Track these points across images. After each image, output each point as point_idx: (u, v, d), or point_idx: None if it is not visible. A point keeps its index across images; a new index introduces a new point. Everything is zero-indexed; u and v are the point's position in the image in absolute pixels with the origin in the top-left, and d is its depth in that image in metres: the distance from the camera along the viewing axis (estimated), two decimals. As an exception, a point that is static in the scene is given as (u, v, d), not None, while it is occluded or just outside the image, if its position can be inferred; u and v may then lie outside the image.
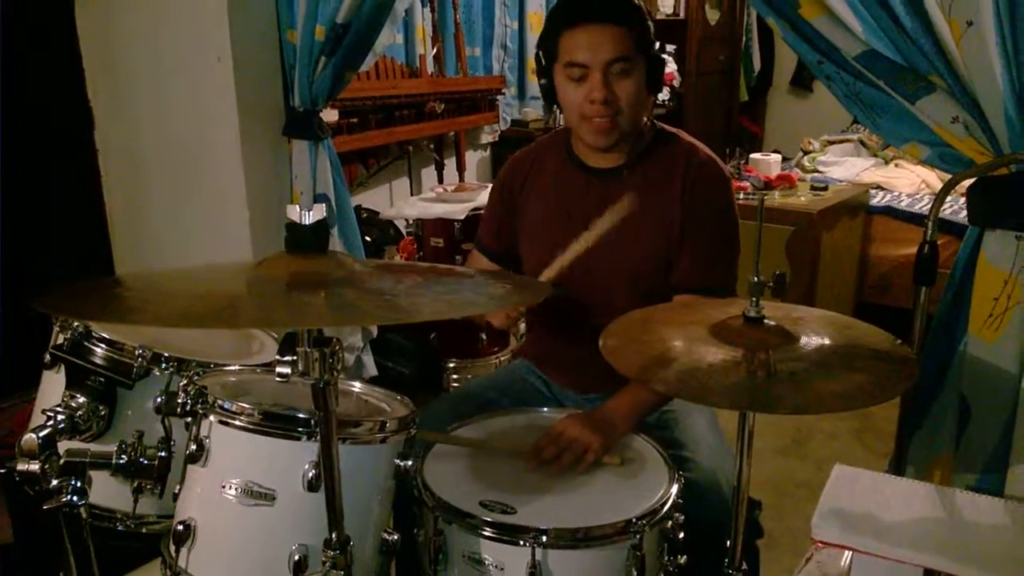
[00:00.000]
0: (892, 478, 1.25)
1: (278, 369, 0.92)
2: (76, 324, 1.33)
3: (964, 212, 1.50)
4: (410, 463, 1.23)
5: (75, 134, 2.87)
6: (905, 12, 1.42)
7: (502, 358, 3.10)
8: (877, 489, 1.18)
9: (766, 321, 1.08)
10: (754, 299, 1.09)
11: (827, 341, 1.08)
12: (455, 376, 3.07)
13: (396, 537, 1.23)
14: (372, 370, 2.83)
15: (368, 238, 3.17)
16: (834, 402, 0.95)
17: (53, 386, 1.38)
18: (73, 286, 0.97)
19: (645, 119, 1.60)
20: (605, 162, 1.59)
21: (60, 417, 1.25)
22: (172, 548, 1.16)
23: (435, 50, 3.91)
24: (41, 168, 2.98)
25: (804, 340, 1.06)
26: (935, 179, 4.07)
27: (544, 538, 1.15)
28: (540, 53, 1.57)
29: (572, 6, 1.50)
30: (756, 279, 1.09)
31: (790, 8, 1.55)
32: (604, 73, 1.45)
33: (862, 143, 4.76)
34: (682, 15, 5.26)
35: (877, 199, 3.88)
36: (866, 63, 1.50)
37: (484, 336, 3.05)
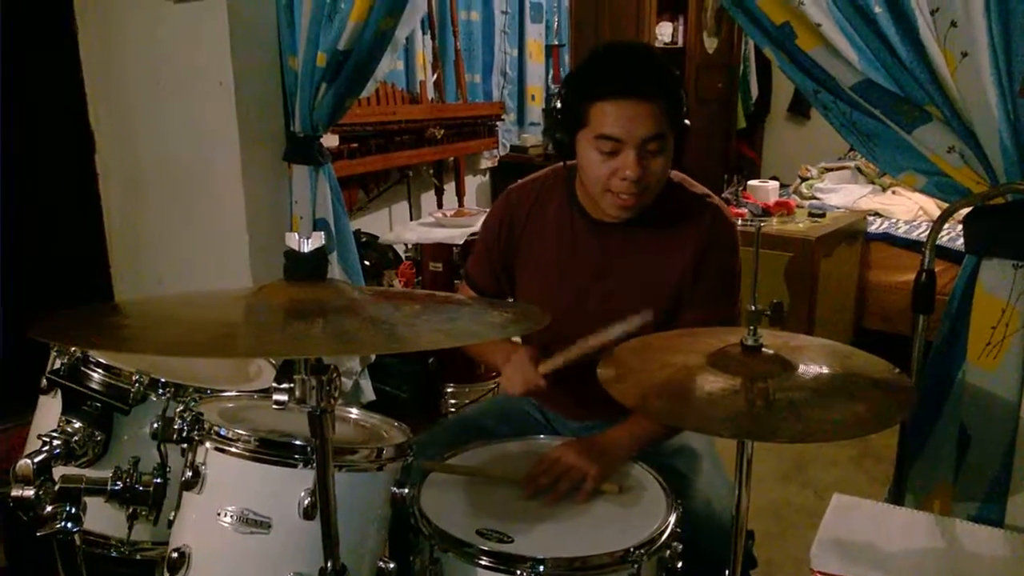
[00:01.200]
0: (891, 508, 1.25)
1: (275, 397, 0.91)
2: (73, 349, 1.33)
3: (962, 239, 1.51)
4: (407, 491, 1.23)
5: (76, 159, 2.88)
6: (901, 43, 1.44)
7: (499, 383, 3.09)
8: (876, 519, 1.17)
9: (764, 350, 1.08)
10: (752, 327, 1.09)
11: (826, 370, 1.08)
12: (452, 401, 3.06)
13: (393, 566, 1.22)
14: (370, 394, 2.82)
15: (367, 262, 3.17)
16: (833, 431, 0.95)
17: (49, 411, 1.38)
18: (72, 312, 0.97)
19: None
20: (611, 216, 1.51)
21: (56, 442, 1.24)
22: (166, 575, 1.15)
23: (435, 76, 3.94)
24: (42, 192, 2.99)
25: (803, 369, 1.07)
26: (933, 206, 4.09)
27: (541, 568, 1.14)
28: (562, 111, 1.47)
29: (611, 76, 1.40)
30: (754, 307, 1.09)
31: (786, 38, 1.56)
32: (639, 151, 1.39)
33: (859, 170, 4.79)
34: (680, 43, 5.30)
35: (875, 226, 3.89)
36: (862, 93, 1.51)
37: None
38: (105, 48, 2.73)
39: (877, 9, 1.44)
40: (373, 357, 2.86)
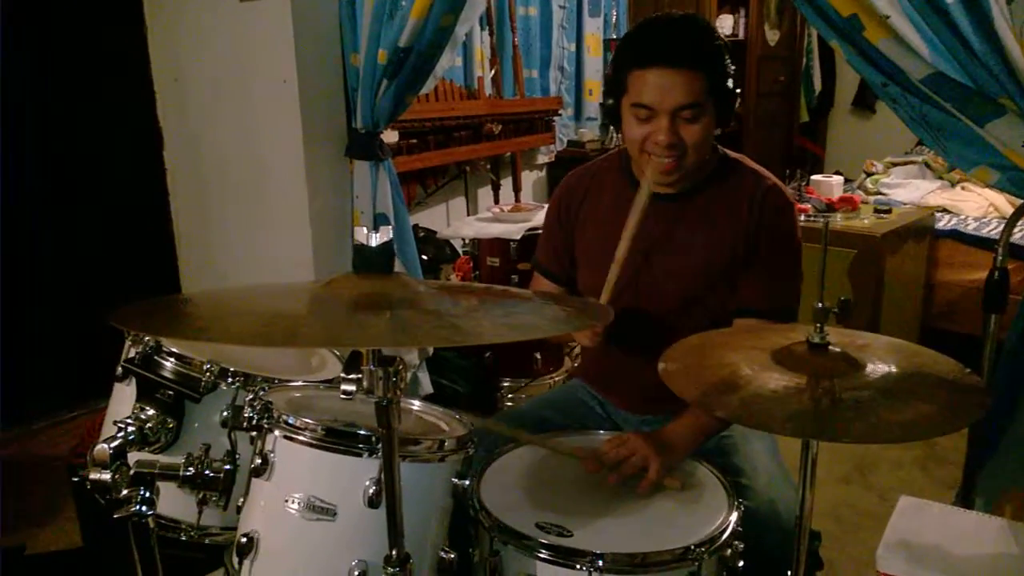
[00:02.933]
0: (960, 511, 1.22)
1: (343, 387, 0.94)
2: (147, 339, 1.37)
3: (1036, 237, 1.46)
4: (467, 482, 1.24)
5: (146, 155, 2.97)
6: (974, 34, 1.40)
7: (556, 378, 3.09)
8: (945, 522, 1.15)
9: (831, 348, 1.06)
10: (818, 325, 1.07)
11: (893, 369, 1.05)
12: (510, 395, 3.07)
13: (453, 556, 1.23)
14: (428, 388, 2.85)
15: (424, 257, 3.20)
16: (900, 432, 0.92)
17: (124, 398, 1.42)
18: (148, 303, 1.01)
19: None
20: (667, 188, 1.55)
21: (130, 429, 1.27)
22: (235, 560, 1.18)
23: (493, 72, 3.95)
24: (113, 187, 3.10)
25: (870, 367, 1.04)
26: (1004, 203, 3.95)
27: (600, 562, 1.14)
28: (609, 79, 1.54)
29: (645, 45, 1.45)
30: (820, 304, 1.07)
31: (854, 30, 1.53)
32: (672, 118, 1.42)
33: (927, 165, 4.65)
34: (741, 36, 5.23)
35: (943, 222, 3.78)
36: (933, 86, 1.47)
37: (539, 356, 3.05)
38: (173, 47, 2.81)
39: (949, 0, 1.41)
40: (431, 351, 2.88)
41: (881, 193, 4.25)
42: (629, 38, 1.52)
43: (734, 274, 1.54)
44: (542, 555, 1.17)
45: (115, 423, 1.29)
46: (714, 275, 1.54)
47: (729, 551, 1.22)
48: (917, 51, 1.47)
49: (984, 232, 3.63)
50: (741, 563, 1.24)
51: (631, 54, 1.46)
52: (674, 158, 1.46)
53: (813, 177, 4.03)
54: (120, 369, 1.41)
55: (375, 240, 0.99)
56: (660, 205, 1.56)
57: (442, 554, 1.23)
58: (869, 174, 4.54)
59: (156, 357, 1.38)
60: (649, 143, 1.46)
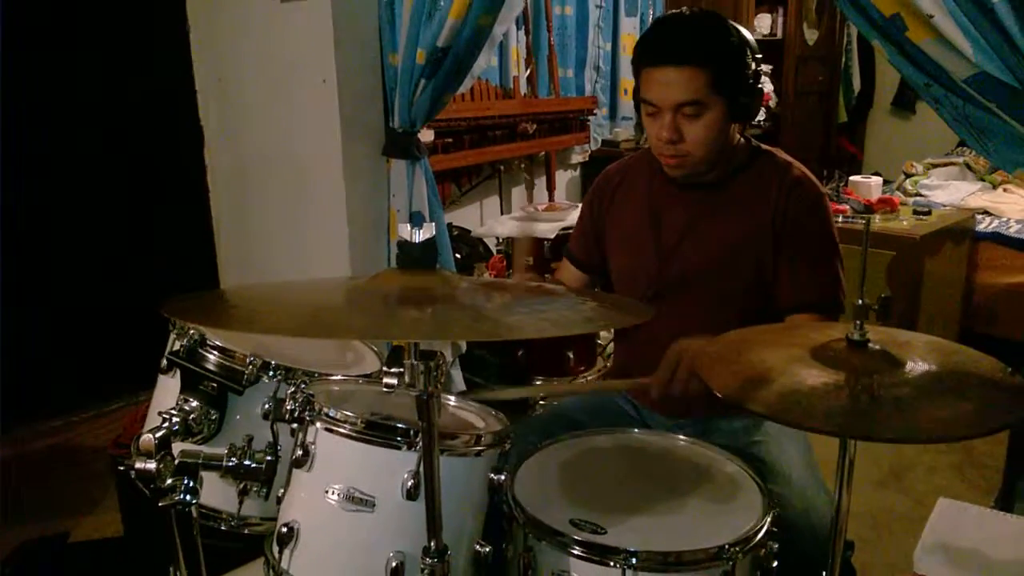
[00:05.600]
0: (1000, 514, 1.20)
1: (385, 380, 0.95)
2: (192, 332, 1.41)
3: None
4: (502, 477, 1.25)
5: (187, 152, 3.03)
6: (1020, 33, 1.38)
7: (589, 377, 3.10)
8: (984, 525, 1.14)
9: (870, 345, 1.06)
10: (858, 322, 1.07)
11: (933, 367, 1.04)
12: (542, 394, 3.08)
13: (489, 549, 1.24)
14: (461, 385, 2.87)
15: (459, 255, 3.22)
16: (941, 430, 0.91)
17: (168, 390, 1.45)
18: (193, 297, 1.03)
19: (739, 138, 1.60)
20: (697, 178, 1.59)
21: (175, 419, 1.30)
22: (276, 549, 1.20)
23: (528, 71, 3.96)
24: (156, 184, 3.16)
25: (909, 365, 1.03)
26: (1048, 205, 3.88)
27: (634, 560, 1.14)
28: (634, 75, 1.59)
29: (652, 43, 1.51)
30: (861, 302, 1.07)
31: (896, 30, 1.51)
32: (673, 115, 1.47)
33: (968, 166, 4.57)
34: (779, 35, 5.18)
35: (984, 225, 3.73)
36: (977, 86, 1.45)
37: (571, 354, 3.06)
38: (214, 47, 2.86)
39: (995, -2, 1.39)
40: (464, 348, 2.90)
41: (920, 195, 4.19)
42: (643, 36, 1.58)
43: (766, 264, 1.55)
44: (575, 552, 1.17)
45: (160, 414, 1.32)
46: (745, 265, 1.55)
47: (763, 551, 1.22)
48: (961, 51, 1.45)
49: (1026, 235, 3.57)
50: (775, 564, 1.24)
51: (641, 52, 1.52)
52: (676, 155, 1.50)
53: (851, 178, 3.99)
54: (165, 361, 1.44)
55: (419, 236, 1.01)
56: (689, 195, 1.58)
57: (477, 547, 1.24)
58: (908, 175, 4.48)
59: (200, 350, 1.40)
60: (655, 140, 1.52)
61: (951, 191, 4.18)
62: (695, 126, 1.48)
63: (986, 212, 3.89)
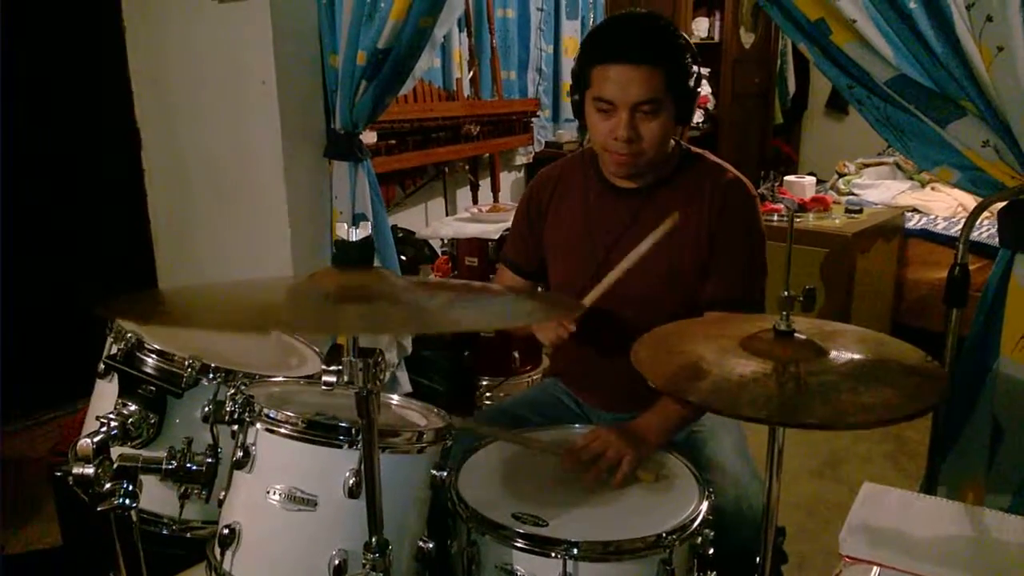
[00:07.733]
0: (921, 496, 1.26)
1: (324, 378, 0.96)
2: (129, 335, 1.39)
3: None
4: (445, 474, 1.27)
5: (124, 155, 2.97)
6: (936, 38, 1.45)
7: (534, 376, 3.12)
8: (906, 507, 1.19)
9: (796, 335, 1.09)
10: (784, 313, 1.10)
11: (857, 356, 1.08)
12: (488, 394, 3.10)
13: (431, 545, 1.26)
14: (407, 387, 2.87)
15: (403, 257, 3.22)
16: (864, 415, 0.95)
17: (106, 394, 1.43)
18: (130, 297, 1.02)
19: (672, 142, 1.61)
20: (630, 183, 1.60)
21: (113, 424, 1.29)
22: (217, 551, 1.20)
23: (471, 73, 3.98)
24: (90, 187, 3.09)
25: (834, 354, 1.07)
26: (972, 202, 4.00)
27: (575, 551, 1.17)
28: (575, 73, 1.58)
29: (608, 41, 1.50)
30: (786, 293, 1.10)
31: (821, 34, 1.57)
32: (631, 113, 1.47)
33: (898, 166, 4.73)
34: (716, 38, 5.29)
35: (913, 222, 3.86)
36: (897, 88, 1.52)
37: (517, 355, 3.08)
38: (151, 47, 2.81)
39: (912, 5, 1.45)
40: (410, 349, 2.91)
41: (853, 194, 4.32)
42: (593, 34, 1.57)
43: (699, 267, 1.57)
44: (518, 544, 1.20)
45: (97, 418, 1.31)
46: (679, 268, 1.57)
47: (700, 539, 1.26)
48: (882, 54, 1.52)
49: (953, 231, 3.71)
50: (712, 551, 1.28)
51: (594, 50, 1.51)
52: (630, 154, 1.50)
53: (786, 178, 4.09)
54: (102, 365, 1.42)
55: (355, 235, 1.02)
56: (624, 202, 1.60)
57: (420, 543, 1.26)
58: (841, 175, 4.62)
59: (138, 353, 1.39)
60: (610, 139, 1.50)
61: (882, 190, 4.32)
62: (651, 125, 1.48)
63: (915, 210, 4.03)
